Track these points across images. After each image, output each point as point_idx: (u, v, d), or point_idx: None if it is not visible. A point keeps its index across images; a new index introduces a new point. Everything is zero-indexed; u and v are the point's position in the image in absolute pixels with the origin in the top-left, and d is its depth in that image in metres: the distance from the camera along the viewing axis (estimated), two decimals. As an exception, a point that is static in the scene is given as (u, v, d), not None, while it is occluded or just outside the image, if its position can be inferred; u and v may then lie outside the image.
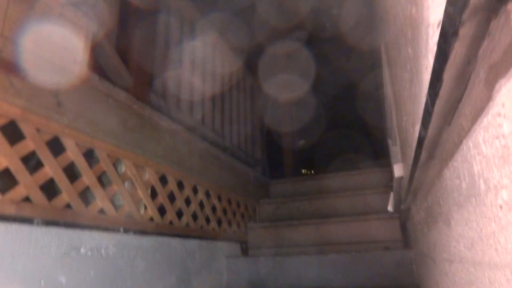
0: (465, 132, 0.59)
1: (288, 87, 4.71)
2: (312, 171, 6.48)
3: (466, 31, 0.42)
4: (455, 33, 0.42)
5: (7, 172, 1.21)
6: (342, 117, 5.73)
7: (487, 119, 0.49)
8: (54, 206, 1.34)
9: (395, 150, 2.79)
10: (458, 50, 0.45)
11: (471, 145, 0.58)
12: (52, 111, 1.36)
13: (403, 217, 2.56)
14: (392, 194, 2.85)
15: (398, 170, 1.46)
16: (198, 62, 2.71)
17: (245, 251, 2.98)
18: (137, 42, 2.00)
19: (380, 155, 4.78)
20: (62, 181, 1.39)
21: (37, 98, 1.31)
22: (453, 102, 0.59)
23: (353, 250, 2.41)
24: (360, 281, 2.29)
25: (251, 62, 3.89)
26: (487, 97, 0.47)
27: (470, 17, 0.39)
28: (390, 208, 2.83)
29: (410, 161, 1.19)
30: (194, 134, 2.39)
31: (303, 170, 5.40)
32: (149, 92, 2.05)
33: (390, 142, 2.89)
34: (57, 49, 1.42)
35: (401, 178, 1.49)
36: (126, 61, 1.90)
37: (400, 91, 1.33)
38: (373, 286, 2.23)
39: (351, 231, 2.81)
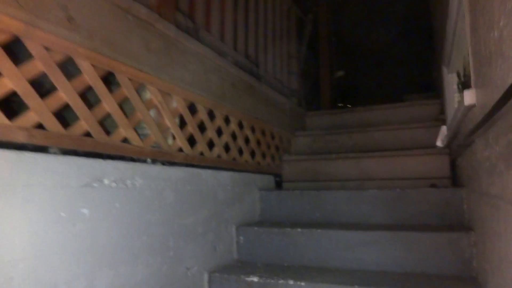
0: None
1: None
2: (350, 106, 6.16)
3: None
4: None
5: (16, 97, 1.08)
6: (384, 46, 5.25)
7: None
8: (72, 135, 1.23)
9: (451, 78, 2.48)
10: None
11: None
12: (62, 26, 1.20)
13: (454, 153, 2.33)
14: (443, 128, 2.59)
15: (470, 97, 1.21)
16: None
17: (279, 185, 2.89)
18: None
19: (426, 88, 4.40)
20: (78, 107, 1.26)
21: (42, 11, 1.14)
22: None
23: (396, 187, 2.23)
24: (401, 219, 2.14)
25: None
26: None
27: None
28: (439, 143, 2.59)
29: (495, 83, 0.95)
30: (225, 59, 2.18)
31: (340, 104, 5.09)
32: (175, 11, 1.83)
33: (445, 70, 2.57)
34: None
35: (471, 107, 1.25)
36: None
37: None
38: (417, 225, 2.08)
39: (394, 166, 2.62)
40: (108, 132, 1.40)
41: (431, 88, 4.31)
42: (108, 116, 1.40)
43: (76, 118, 1.27)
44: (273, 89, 2.85)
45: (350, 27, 5.35)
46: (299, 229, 2.07)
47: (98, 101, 1.37)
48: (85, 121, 1.27)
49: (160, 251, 1.57)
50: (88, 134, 1.29)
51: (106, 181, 1.33)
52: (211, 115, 2.06)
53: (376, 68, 5.33)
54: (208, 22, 2.17)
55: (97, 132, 1.32)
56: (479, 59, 1.13)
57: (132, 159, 1.49)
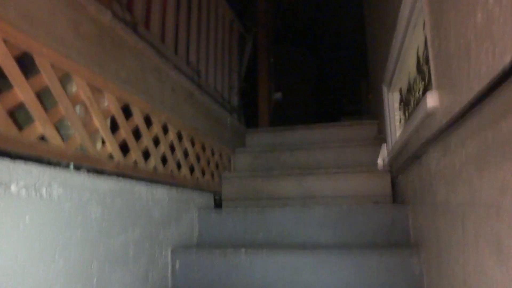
0: None
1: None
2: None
3: None
4: None
5: None
6: (323, 70, 5.41)
7: None
8: (-33, 122, 0.94)
9: (392, 97, 2.51)
10: None
11: None
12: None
13: (395, 171, 2.33)
14: (384, 146, 2.60)
15: (432, 99, 1.15)
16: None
17: (218, 204, 2.68)
18: None
19: (362, 111, 4.55)
20: (-20, 88, 0.98)
21: None
22: None
23: (341, 204, 2.15)
24: (349, 238, 2.05)
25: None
26: None
27: None
28: (380, 161, 2.59)
29: (474, 74, 0.88)
30: (166, 61, 1.98)
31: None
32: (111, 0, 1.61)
33: (385, 90, 2.60)
34: None
35: (433, 110, 1.18)
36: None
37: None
38: (365, 243, 2.00)
39: (336, 184, 2.56)
40: (21, 128, 1.12)
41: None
42: (22, 107, 1.12)
43: (-25, 103, 0.99)
44: (215, 101, 2.68)
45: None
46: (243, 250, 1.87)
47: (9, 86, 1.09)
48: (-12, 108, 0.99)
49: (81, 277, 1.28)
50: (-9, 125, 1.01)
51: (13, 188, 1.04)
52: (148, 122, 1.83)
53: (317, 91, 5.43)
54: (148, 19, 1.96)
55: (4, 124, 1.04)
56: (447, 57, 1.07)
57: (50, 163, 1.20)
